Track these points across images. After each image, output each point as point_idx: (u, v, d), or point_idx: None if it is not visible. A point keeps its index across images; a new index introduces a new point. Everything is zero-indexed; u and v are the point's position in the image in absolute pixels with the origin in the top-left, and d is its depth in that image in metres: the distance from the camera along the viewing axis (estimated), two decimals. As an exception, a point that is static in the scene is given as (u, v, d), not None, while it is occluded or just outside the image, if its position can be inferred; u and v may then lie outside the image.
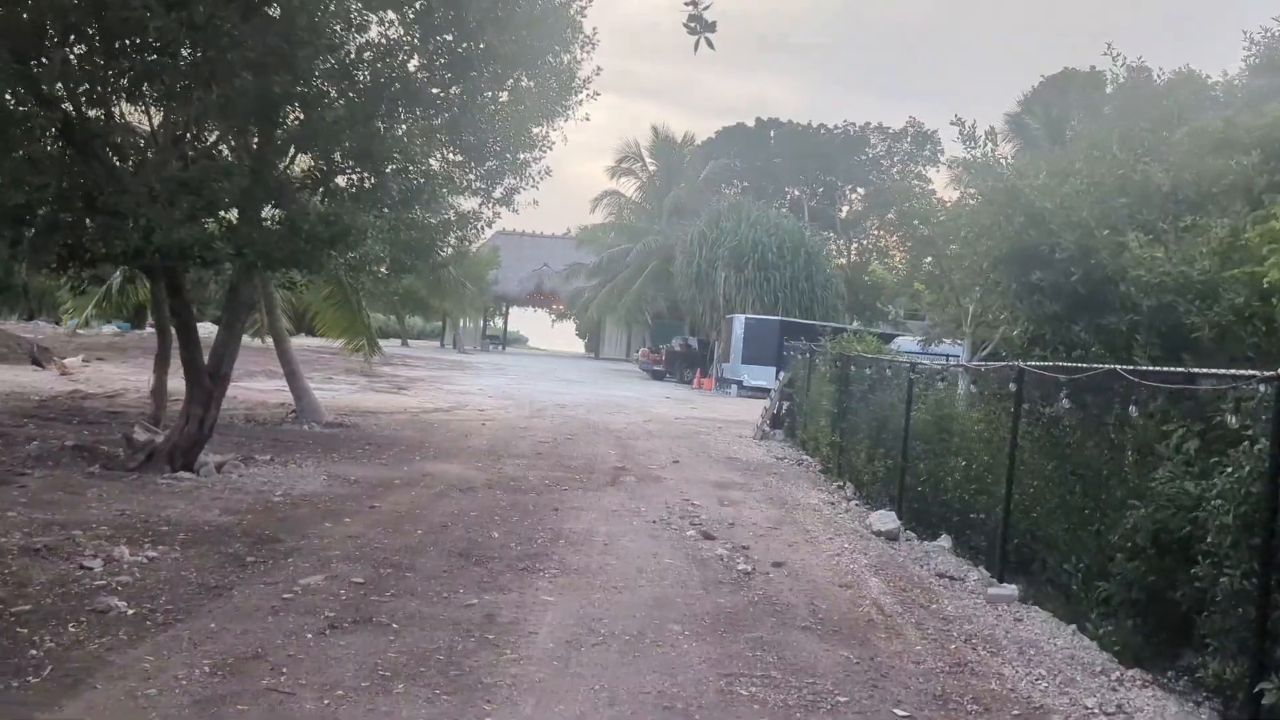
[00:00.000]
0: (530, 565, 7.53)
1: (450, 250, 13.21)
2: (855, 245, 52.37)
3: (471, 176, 12.29)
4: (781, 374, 19.93)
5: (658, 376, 40.86)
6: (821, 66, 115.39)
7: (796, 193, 53.16)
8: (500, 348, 63.04)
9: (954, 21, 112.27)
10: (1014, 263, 9.57)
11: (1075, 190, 9.85)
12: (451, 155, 12.17)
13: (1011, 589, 7.70)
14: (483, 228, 12.77)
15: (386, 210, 10.40)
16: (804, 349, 18.97)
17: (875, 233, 53.68)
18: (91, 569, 6.49)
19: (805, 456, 16.48)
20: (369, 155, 9.45)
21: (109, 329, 41.84)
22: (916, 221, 20.63)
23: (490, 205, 12.71)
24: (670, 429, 19.94)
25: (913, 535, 9.99)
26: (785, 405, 19.84)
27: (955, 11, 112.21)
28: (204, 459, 10.44)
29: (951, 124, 14.78)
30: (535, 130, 12.45)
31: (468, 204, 12.46)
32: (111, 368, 23.06)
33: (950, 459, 9.90)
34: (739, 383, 34.60)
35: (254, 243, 8.82)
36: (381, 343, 59.01)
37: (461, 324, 58.77)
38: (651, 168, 47.90)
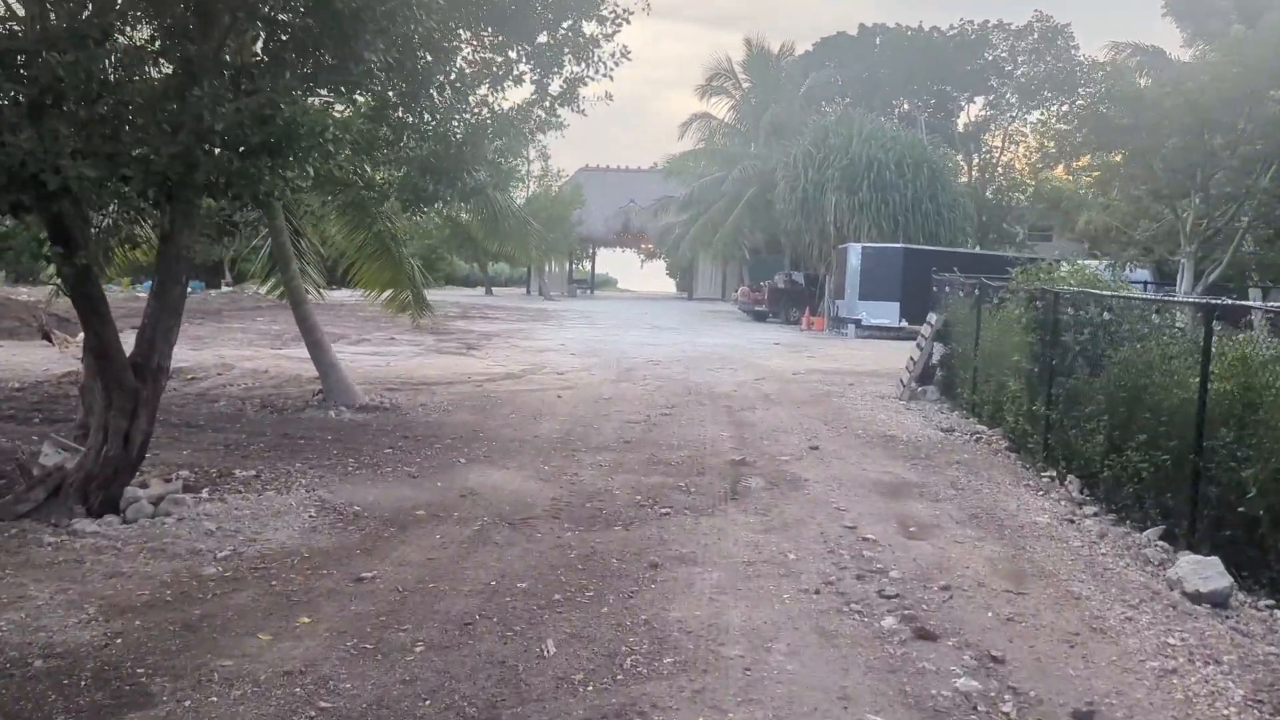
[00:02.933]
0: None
1: (484, 172, 9.43)
2: (977, 160, 46.72)
3: (517, 59, 8.50)
4: (933, 316, 15.76)
5: (759, 318, 36.81)
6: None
7: (906, 106, 47.60)
8: (588, 292, 59.65)
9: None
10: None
11: None
12: (484, 33, 8.39)
13: None
14: (533, 133, 8.96)
15: (367, 101, 6.72)
16: (967, 284, 14.76)
17: (997, 145, 47.97)
18: None
19: (979, 426, 12.44)
20: (330, 11, 5.75)
21: (144, 289, 39.72)
22: (1104, 109, 16.22)
23: (546, 102, 8.90)
24: (791, 389, 16.06)
25: (1250, 596, 6.00)
26: (939, 355, 15.72)
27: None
28: (135, 492, 7.07)
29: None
30: (604, -10, 8.60)
31: (510, 100, 8.67)
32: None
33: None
34: (856, 322, 30.36)
35: (139, 160, 5.27)
36: (465, 292, 56.61)
37: (547, 269, 55.49)
38: (745, 85, 43.12)
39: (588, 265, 66.53)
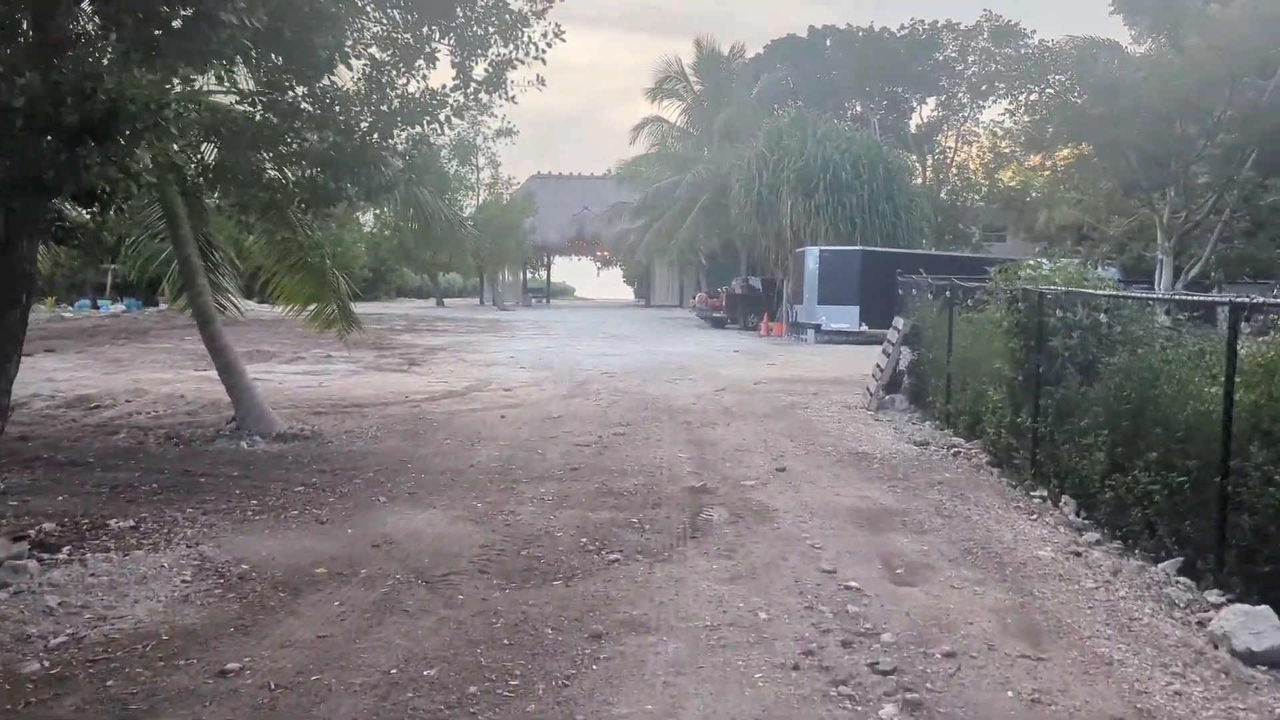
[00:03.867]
0: None
1: (398, 165, 8.21)
2: (931, 160, 46.26)
3: (429, 35, 7.37)
4: (899, 320, 14.83)
5: (718, 324, 35.88)
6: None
7: (859, 107, 47.02)
8: (544, 301, 58.39)
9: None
10: None
11: None
12: (391, 7, 7.25)
13: None
14: (449, 119, 7.82)
15: (244, 79, 5.56)
16: (936, 286, 13.86)
17: (950, 146, 47.60)
18: None
19: (956, 439, 11.50)
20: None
21: (118, 308, 37.78)
22: (1076, 97, 15.41)
23: (470, 88, 7.79)
24: (753, 401, 15.05)
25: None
26: (907, 361, 14.81)
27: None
28: (-34, 557, 5.82)
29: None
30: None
31: (423, 83, 7.53)
32: (53, 363, 18.70)
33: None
34: (816, 327, 29.53)
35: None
36: (416, 304, 55.06)
37: (501, 279, 54.19)
38: (697, 88, 42.28)
39: (542, 274, 65.37)
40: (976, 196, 45.08)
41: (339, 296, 12.66)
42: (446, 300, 54.52)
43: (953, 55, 45.85)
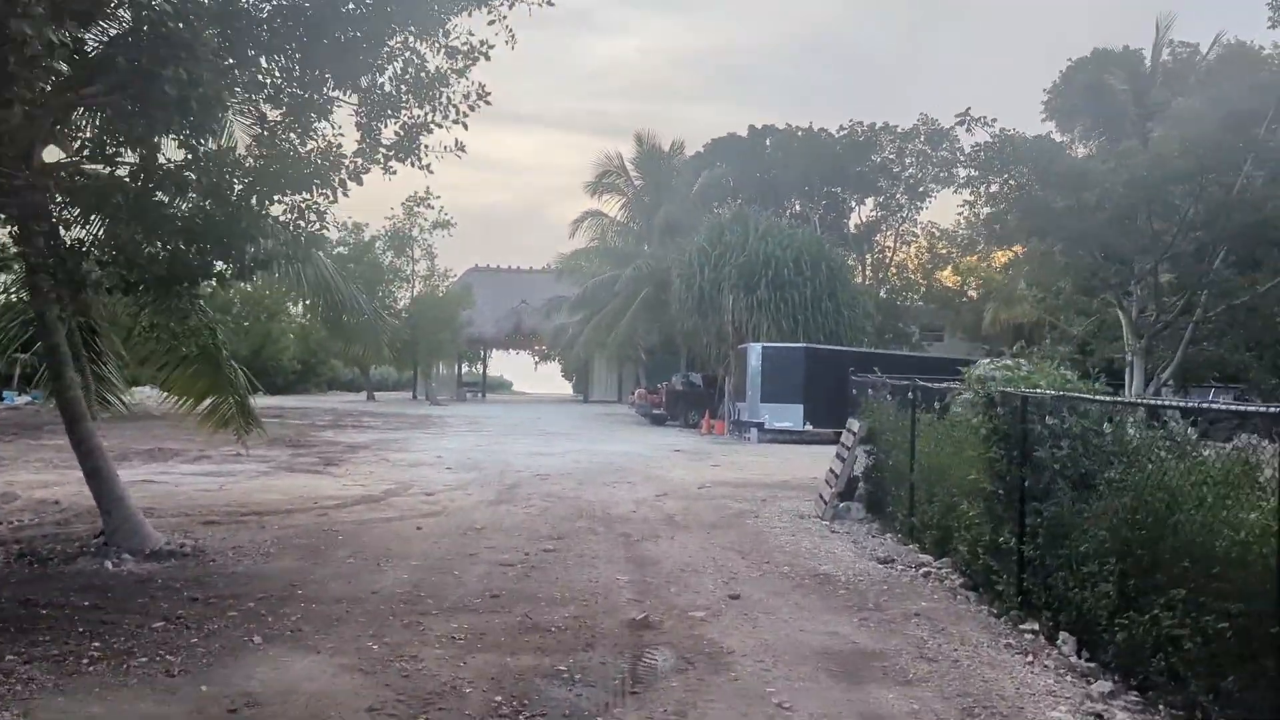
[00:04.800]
0: None
1: (285, 234, 6.99)
2: (870, 259, 46.50)
3: (337, 95, 6.29)
4: (854, 422, 13.85)
5: (657, 421, 34.83)
6: (797, 92, 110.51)
7: (799, 206, 47.35)
8: (479, 396, 56.84)
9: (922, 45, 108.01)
10: None
11: None
12: (285, 60, 6.18)
13: None
14: (343, 184, 6.68)
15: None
16: (897, 385, 12.94)
17: (889, 245, 48.00)
18: None
19: (923, 556, 10.40)
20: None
21: (22, 400, 35.11)
22: (1037, 190, 14.89)
23: (375, 154, 6.69)
24: (698, 509, 13.84)
25: None
26: (861, 467, 13.78)
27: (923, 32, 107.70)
28: None
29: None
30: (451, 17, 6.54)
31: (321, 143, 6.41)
32: None
33: None
34: (759, 425, 28.57)
35: None
36: (347, 397, 53.13)
37: (435, 372, 52.65)
38: (638, 182, 42.08)
39: (481, 368, 63.96)
40: (915, 296, 45.28)
41: (236, 391, 11.26)
42: (378, 394, 52.71)
43: (890, 157, 46.62)
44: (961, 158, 19.53)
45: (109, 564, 9.15)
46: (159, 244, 6.18)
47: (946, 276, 46.91)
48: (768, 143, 47.51)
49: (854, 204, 48.07)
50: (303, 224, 6.48)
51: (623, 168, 41.76)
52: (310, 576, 8.82)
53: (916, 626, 7.62)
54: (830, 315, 31.24)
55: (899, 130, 46.04)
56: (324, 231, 6.81)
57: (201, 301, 10.09)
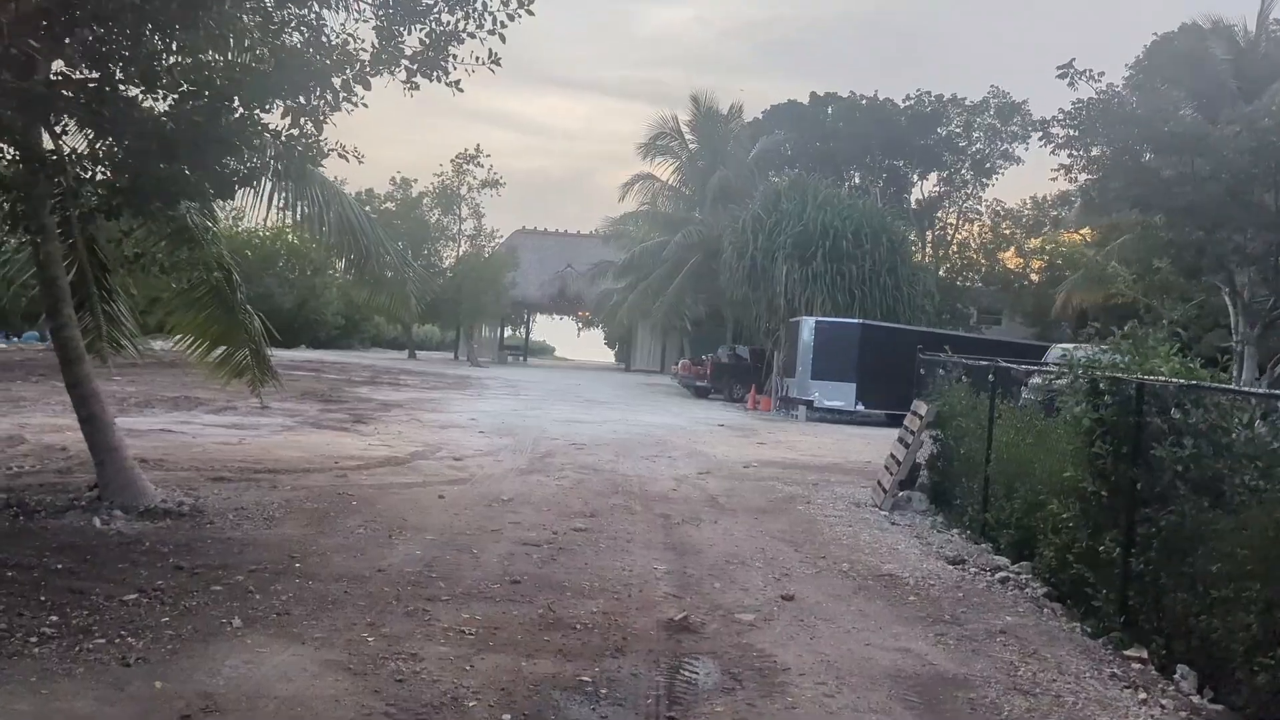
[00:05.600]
0: None
1: (263, 155, 5.95)
2: (931, 236, 44.74)
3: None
4: (922, 405, 12.63)
5: (701, 394, 33.68)
6: (857, 66, 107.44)
7: (857, 179, 45.60)
8: (521, 359, 56.08)
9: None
10: None
11: None
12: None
13: None
14: (348, 85, 5.64)
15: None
16: (975, 367, 11.72)
17: (951, 223, 46.15)
18: None
19: (997, 558, 9.24)
20: None
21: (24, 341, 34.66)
22: (1148, 156, 13.36)
23: (394, 63, 5.64)
24: (744, 490, 12.78)
25: None
26: (927, 453, 12.61)
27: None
28: None
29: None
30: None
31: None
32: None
33: None
34: (808, 403, 27.34)
35: None
36: (389, 355, 52.73)
37: (478, 334, 51.95)
38: (692, 146, 40.64)
39: (524, 331, 63.21)
40: (976, 276, 43.49)
41: (251, 339, 10.37)
42: (420, 353, 52.16)
43: (956, 130, 44.67)
44: (1060, 115, 17.93)
45: (98, 521, 8.32)
46: (131, 152, 5.21)
47: (1009, 258, 45.01)
48: (829, 111, 45.71)
49: (916, 178, 46.23)
50: (297, 134, 5.47)
51: (677, 130, 40.34)
52: (312, 547, 7.91)
53: (1003, 647, 6.50)
54: (889, 291, 29.80)
55: (967, 103, 44.06)
56: (323, 143, 5.80)
57: (209, 232, 9.18)
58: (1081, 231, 42.87)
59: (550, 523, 9.60)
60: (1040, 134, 20.66)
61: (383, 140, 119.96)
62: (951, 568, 8.98)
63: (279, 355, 38.54)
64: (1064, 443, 8.15)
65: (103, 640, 5.43)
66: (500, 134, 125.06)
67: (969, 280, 43.83)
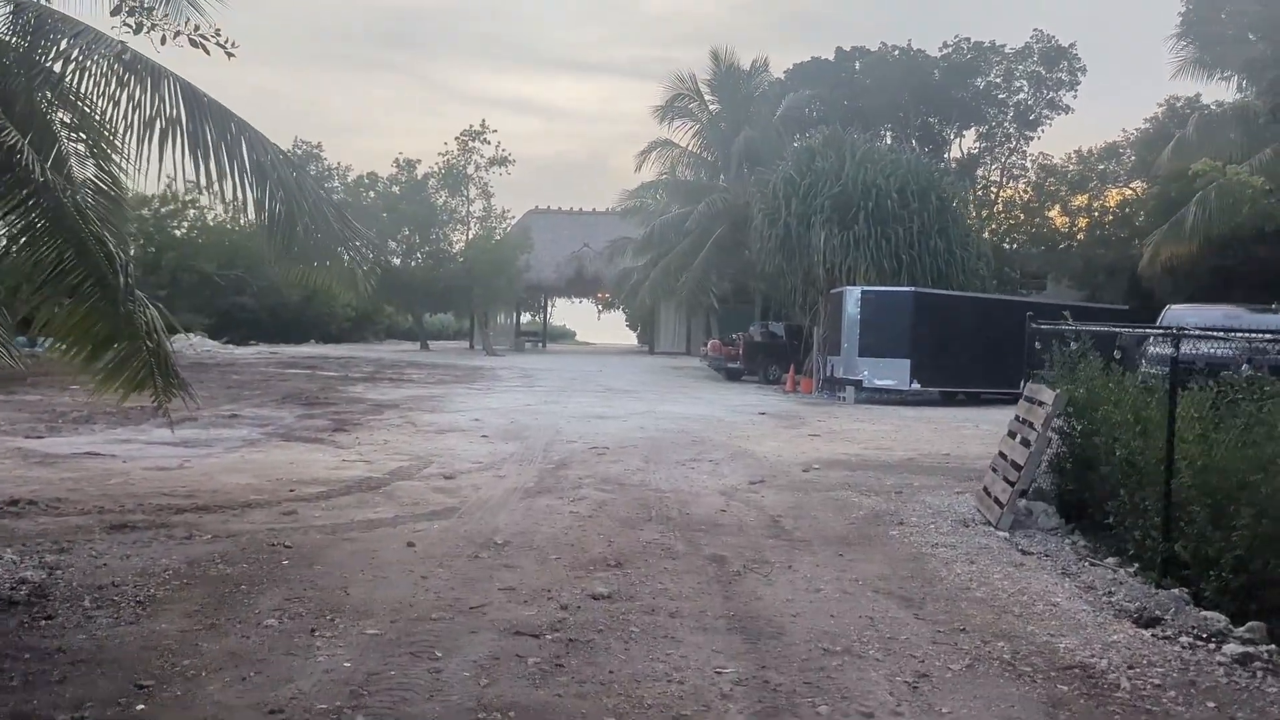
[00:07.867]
0: None
1: None
2: (973, 197, 41.41)
3: None
4: (1044, 390, 9.61)
5: (733, 376, 30.80)
6: (873, 35, 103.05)
7: (889, 138, 42.28)
8: (539, 346, 53.27)
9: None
10: None
11: None
12: None
13: None
14: None
15: None
16: (1122, 340, 8.74)
17: (994, 181, 42.76)
18: None
19: (1206, 613, 6.30)
20: None
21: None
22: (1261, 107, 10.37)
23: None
24: (813, 506, 9.89)
25: None
26: (1055, 452, 9.64)
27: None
28: None
29: None
30: None
31: None
32: None
33: None
34: (856, 383, 24.40)
35: None
36: (401, 346, 50.06)
37: (493, 321, 49.22)
38: (713, 107, 37.46)
39: (541, 316, 60.46)
40: (1023, 237, 40.17)
41: (148, 337, 7.54)
42: (434, 344, 49.50)
43: (996, 81, 41.25)
44: (1179, 16, 14.73)
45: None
46: None
47: (1056, 215, 41.60)
48: (856, 66, 42.36)
49: (952, 135, 42.82)
50: None
51: (696, 90, 37.11)
52: (185, 663, 5.08)
53: None
54: (940, 255, 26.70)
55: (1008, 50, 40.59)
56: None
57: (67, 191, 6.39)
58: (1133, 185, 39.58)
59: (559, 585, 6.73)
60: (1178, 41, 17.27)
61: (393, 130, 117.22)
62: (1149, 635, 6.05)
63: (282, 352, 36.22)
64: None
65: None
66: (515, 119, 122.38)
67: (1014, 242, 40.51)
